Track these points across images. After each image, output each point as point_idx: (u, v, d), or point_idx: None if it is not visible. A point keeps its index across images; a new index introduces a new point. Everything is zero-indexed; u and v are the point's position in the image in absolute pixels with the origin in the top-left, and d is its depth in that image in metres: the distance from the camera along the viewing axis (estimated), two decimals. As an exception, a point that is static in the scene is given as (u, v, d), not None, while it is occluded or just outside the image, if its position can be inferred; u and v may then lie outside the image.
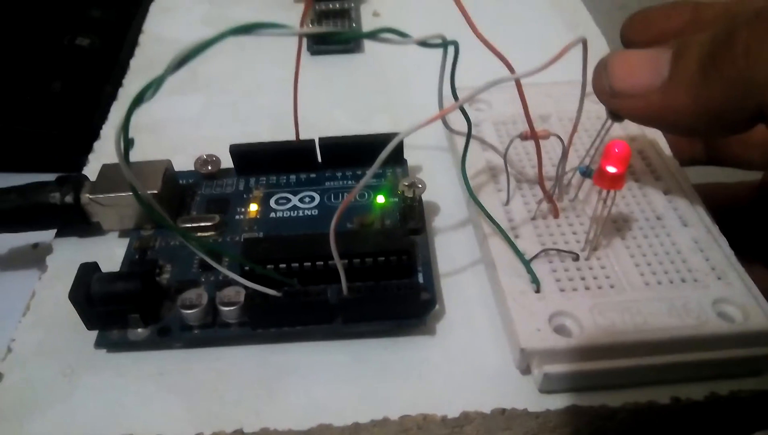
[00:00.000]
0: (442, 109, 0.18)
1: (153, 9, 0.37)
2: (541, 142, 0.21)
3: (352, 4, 0.33)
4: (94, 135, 0.28)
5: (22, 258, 0.26)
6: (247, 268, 0.20)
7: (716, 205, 0.22)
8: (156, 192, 0.22)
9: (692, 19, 0.22)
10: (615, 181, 0.18)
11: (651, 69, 0.18)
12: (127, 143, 0.15)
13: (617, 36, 0.24)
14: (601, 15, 0.35)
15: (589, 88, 0.20)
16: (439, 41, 0.17)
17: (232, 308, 0.19)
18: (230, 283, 0.20)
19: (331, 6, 0.33)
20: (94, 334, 0.20)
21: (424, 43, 0.16)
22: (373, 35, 0.16)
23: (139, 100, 0.15)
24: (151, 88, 0.15)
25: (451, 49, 0.18)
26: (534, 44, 0.21)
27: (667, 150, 0.24)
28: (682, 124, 0.18)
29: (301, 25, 0.22)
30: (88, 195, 0.22)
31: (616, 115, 0.20)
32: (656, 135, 0.25)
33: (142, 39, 0.34)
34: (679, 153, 0.24)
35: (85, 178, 0.23)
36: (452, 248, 0.23)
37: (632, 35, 0.23)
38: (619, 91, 0.19)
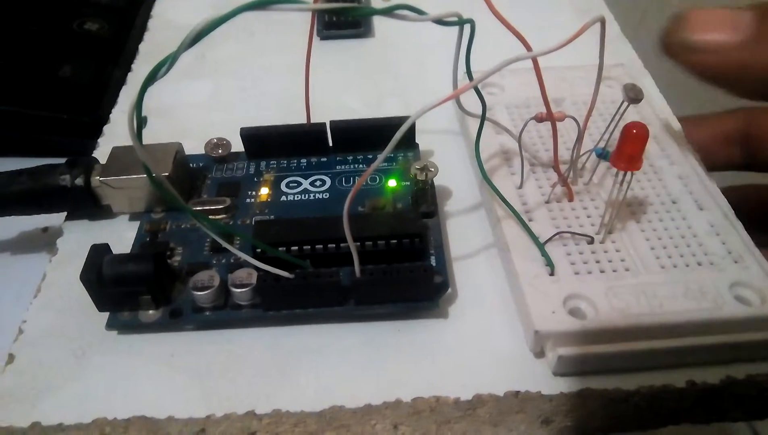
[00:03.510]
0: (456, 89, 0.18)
1: (162, -6, 0.36)
2: (556, 126, 0.21)
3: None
4: (104, 120, 0.28)
5: (33, 241, 0.26)
6: (259, 250, 0.20)
7: (753, 207, 0.22)
8: (167, 174, 0.22)
9: None
10: (632, 162, 0.18)
11: (732, 26, 0.18)
12: (140, 121, 0.15)
13: (629, 21, 0.24)
14: (614, 0, 0.34)
15: (606, 70, 0.20)
16: (455, 19, 0.17)
17: (244, 290, 0.19)
18: (242, 264, 0.20)
19: (343, -12, 0.33)
20: (105, 315, 0.20)
21: (440, 21, 0.16)
22: (389, 11, 0.15)
23: (152, 77, 0.15)
24: (165, 65, 0.15)
25: (467, 28, 0.18)
26: (547, 30, 0.21)
27: (682, 134, 0.24)
28: (756, 83, 0.18)
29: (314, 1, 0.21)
30: (98, 177, 0.22)
31: (633, 99, 0.19)
32: (671, 119, 0.25)
33: (152, 24, 0.34)
34: (713, 156, 0.24)
35: (96, 160, 0.23)
36: (465, 232, 0.23)
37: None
38: (698, 46, 0.19)
